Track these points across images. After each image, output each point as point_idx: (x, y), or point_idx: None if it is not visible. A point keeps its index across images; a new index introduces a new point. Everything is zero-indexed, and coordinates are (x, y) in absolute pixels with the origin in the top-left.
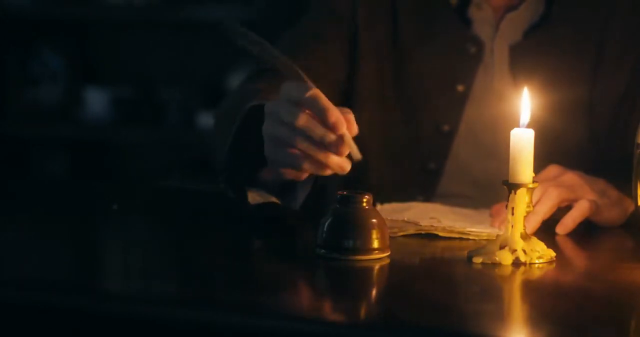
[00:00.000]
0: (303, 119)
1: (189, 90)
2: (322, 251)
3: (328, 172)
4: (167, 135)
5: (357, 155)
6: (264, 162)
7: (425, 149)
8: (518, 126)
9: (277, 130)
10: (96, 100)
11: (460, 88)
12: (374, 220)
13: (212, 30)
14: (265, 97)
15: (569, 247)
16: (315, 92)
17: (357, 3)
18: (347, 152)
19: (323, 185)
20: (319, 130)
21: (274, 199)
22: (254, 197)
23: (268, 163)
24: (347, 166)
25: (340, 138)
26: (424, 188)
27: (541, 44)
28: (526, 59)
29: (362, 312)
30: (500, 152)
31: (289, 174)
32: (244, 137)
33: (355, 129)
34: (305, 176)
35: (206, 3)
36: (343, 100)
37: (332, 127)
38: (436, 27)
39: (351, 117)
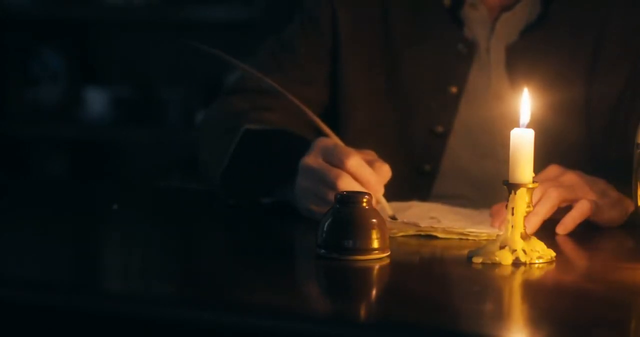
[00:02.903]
0: (345, 183)
1: (189, 90)
2: (322, 251)
3: None
4: (167, 135)
5: (388, 212)
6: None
7: (420, 151)
8: (516, 126)
9: (318, 189)
10: (96, 100)
11: (453, 89)
12: (374, 220)
13: (212, 30)
14: (256, 118)
15: (569, 247)
16: (357, 158)
17: (337, 14)
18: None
19: None
20: None
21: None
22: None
23: (299, 207)
24: None
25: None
26: (419, 189)
27: (538, 44)
28: (523, 59)
29: (362, 312)
30: (497, 152)
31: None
32: (237, 155)
33: (384, 182)
34: None
35: (206, 3)
36: (323, 115)
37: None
38: (428, 28)
39: (386, 169)
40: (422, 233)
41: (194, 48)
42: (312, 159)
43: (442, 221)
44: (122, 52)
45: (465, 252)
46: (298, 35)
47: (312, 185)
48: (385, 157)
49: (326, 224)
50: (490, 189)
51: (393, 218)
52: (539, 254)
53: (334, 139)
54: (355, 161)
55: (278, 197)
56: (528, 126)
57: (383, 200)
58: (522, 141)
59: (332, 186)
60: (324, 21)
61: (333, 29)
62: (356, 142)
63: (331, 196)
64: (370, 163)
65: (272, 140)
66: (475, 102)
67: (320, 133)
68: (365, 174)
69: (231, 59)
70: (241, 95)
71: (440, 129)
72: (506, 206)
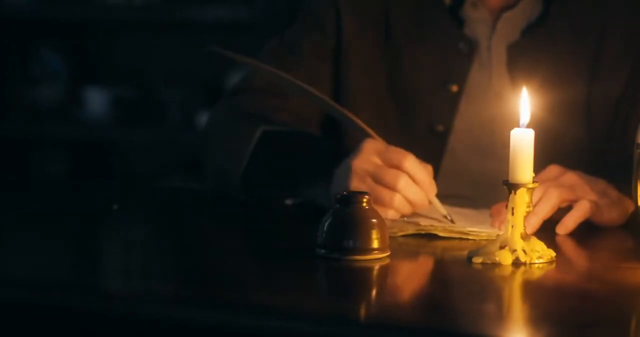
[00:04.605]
0: (404, 183)
1: (189, 90)
2: (322, 251)
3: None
4: (167, 135)
5: (442, 212)
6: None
7: (420, 150)
8: (516, 126)
9: (376, 189)
10: (96, 100)
11: (453, 88)
12: (374, 220)
13: (212, 30)
14: (269, 119)
15: (569, 247)
16: (413, 159)
17: (341, 14)
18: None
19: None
20: (416, 195)
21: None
22: (290, 200)
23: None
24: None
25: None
26: None
27: (539, 43)
28: (524, 58)
29: (362, 312)
30: (497, 151)
31: None
32: (256, 156)
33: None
34: None
35: (206, 3)
36: (326, 115)
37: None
38: (428, 26)
39: (430, 169)
40: (423, 232)
41: (214, 53)
42: (363, 160)
43: (442, 220)
44: (122, 52)
45: (465, 252)
46: (302, 35)
47: (366, 186)
48: None
49: (326, 224)
50: (491, 189)
51: (447, 218)
52: (539, 254)
53: (380, 140)
54: (412, 161)
55: (305, 198)
56: (528, 126)
57: (436, 200)
58: (522, 141)
59: (391, 186)
60: (328, 20)
61: (336, 28)
62: (357, 141)
63: (389, 197)
64: None
65: (290, 141)
66: (475, 101)
67: (326, 134)
68: (422, 174)
69: (253, 61)
70: (249, 95)
71: (440, 128)
72: (506, 206)
